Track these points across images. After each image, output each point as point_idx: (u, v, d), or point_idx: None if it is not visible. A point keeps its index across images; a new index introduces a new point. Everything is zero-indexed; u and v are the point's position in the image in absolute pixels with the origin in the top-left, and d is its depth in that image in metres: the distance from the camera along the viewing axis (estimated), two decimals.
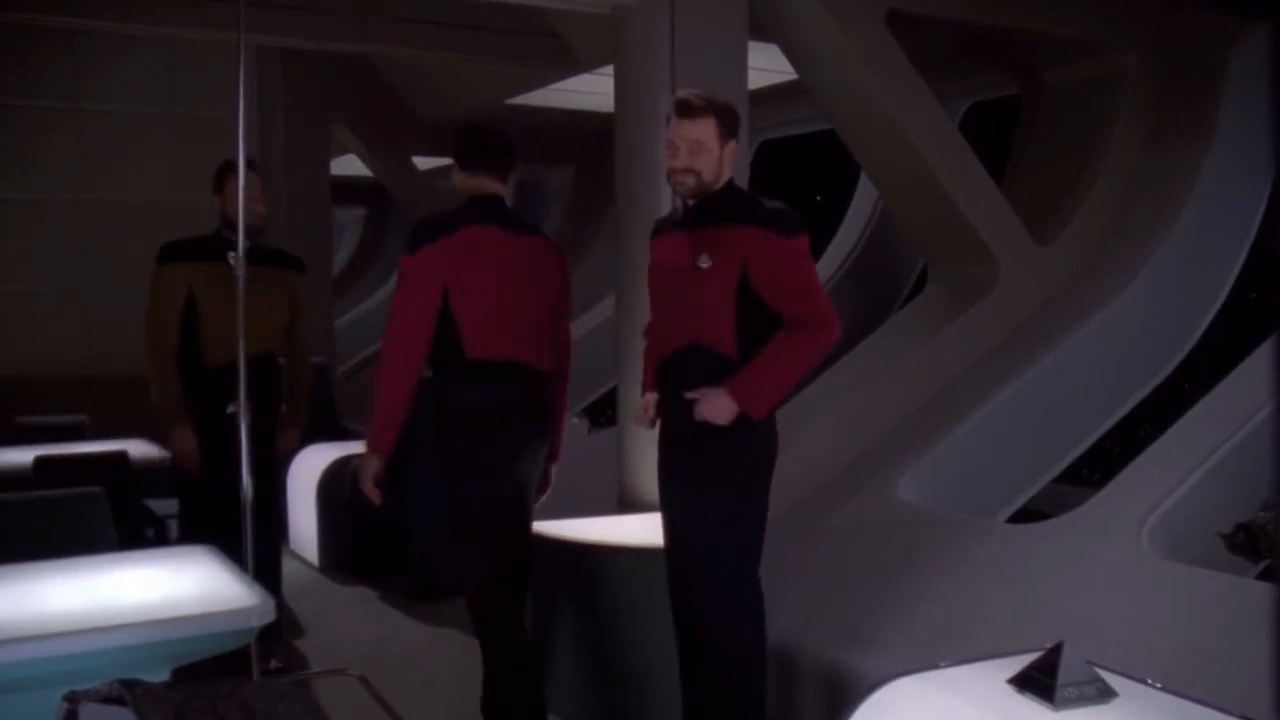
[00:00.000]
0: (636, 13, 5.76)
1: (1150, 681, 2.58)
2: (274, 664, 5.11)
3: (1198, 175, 7.55)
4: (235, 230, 4.64)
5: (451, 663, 4.49)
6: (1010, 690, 2.52)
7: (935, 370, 7.03)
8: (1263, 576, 5.08)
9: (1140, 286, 7.37)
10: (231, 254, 4.36)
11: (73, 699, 2.10)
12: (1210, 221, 7.61)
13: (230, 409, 4.40)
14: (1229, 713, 2.41)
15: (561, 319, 4.49)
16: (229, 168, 4.88)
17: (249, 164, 4.99)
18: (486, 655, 4.26)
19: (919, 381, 6.99)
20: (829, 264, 10.22)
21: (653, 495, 4.02)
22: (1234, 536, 4.89)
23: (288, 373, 5.37)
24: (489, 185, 4.29)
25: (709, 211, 3.75)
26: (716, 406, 3.64)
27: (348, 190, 15.40)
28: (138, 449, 6.28)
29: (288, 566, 5.99)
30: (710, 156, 3.69)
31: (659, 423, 3.93)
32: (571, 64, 9.00)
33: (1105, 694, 2.48)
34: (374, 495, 4.18)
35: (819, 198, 13.75)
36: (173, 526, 5.77)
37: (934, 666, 2.68)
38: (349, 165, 13.62)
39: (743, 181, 3.97)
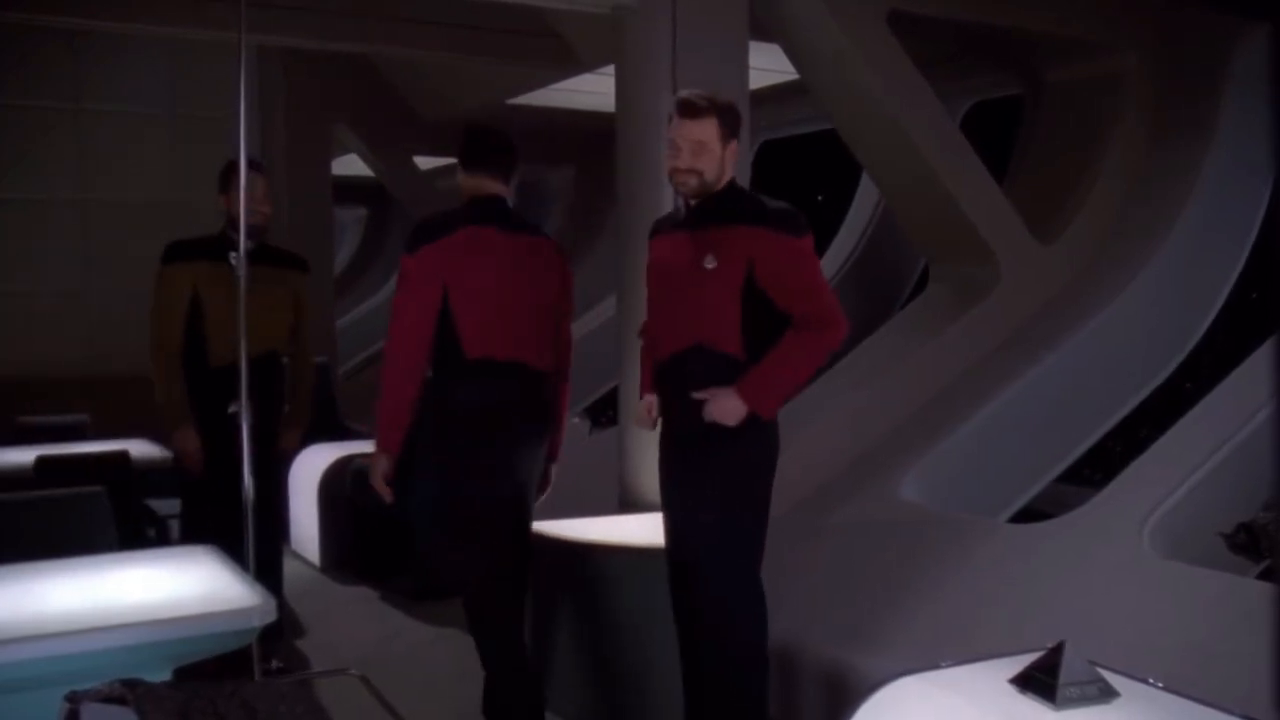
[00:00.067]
0: (637, 13, 5.76)
1: (1152, 681, 2.58)
2: (275, 664, 5.11)
3: (1199, 175, 7.55)
4: (236, 228, 4.66)
5: (453, 663, 4.49)
6: (1012, 690, 2.52)
7: (937, 370, 7.03)
8: (1263, 576, 5.09)
9: (1141, 286, 7.37)
10: (233, 254, 4.35)
11: (74, 699, 2.10)
12: (1211, 222, 7.61)
13: (232, 409, 4.40)
14: (1230, 712, 2.41)
15: (562, 319, 4.49)
16: (232, 167, 4.88)
17: (256, 165, 5.01)
18: (484, 656, 4.26)
19: (921, 381, 7.00)
20: (831, 264, 10.22)
21: (654, 495, 4.01)
22: (1235, 536, 4.89)
23: (290, 372, 5.37)
24: (491, 185, 4.30)
25: (711, 212, 3.74)
26: (726, 407, 3.64)
27: (349, 190, 15.40)
28: (139, 449, 6.28)
29: (289, 566, 5.99)
30: (713, 156, 3.68)
31: (660, 424, 3.93)
32: (572, 64, 9.00)
33: (1107, 694, 2.48)
34: (385, 493, 4.23)
35: (820, 197, 13.73)
36: (174, 526, 5.77)
37: (935, 666, 2.68)
38: (350, 165, 13.62)
39: (744, 181, 3.96)
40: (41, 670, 2.77)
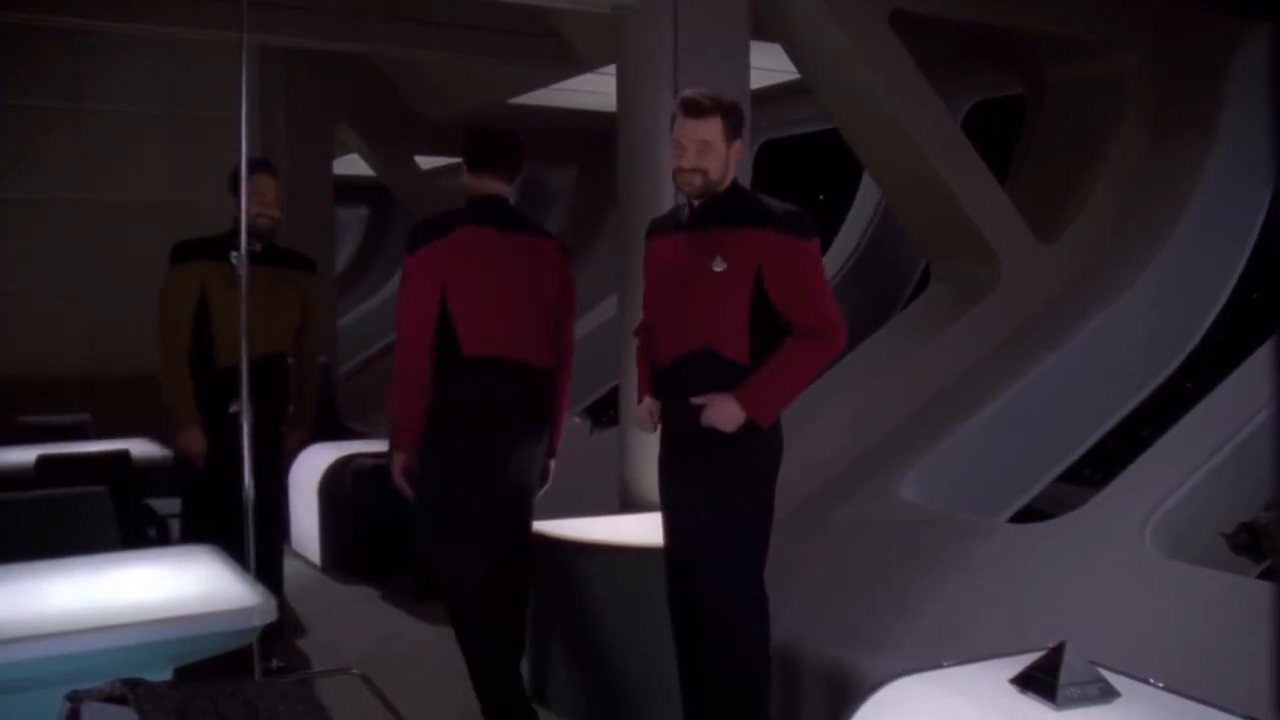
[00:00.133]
0: (638, 12, 5.76)
1: (1153, 681, 2.58)
2: (276, 663, 5.11)
3: (1200, 175, 7.54)
4: (247, 230, 4.68)
5: (454, 662, 4.48)
6: (1013, 690, 2.52)
7: (938, 369, 7.03)
8: (1265, 576, 5.08)
9: (1143, 286, 7.37)
10: (234, 253, 4.35)
11: (75, 698, 2.10)
12: (1213, 222, 7.61)
13: (233, 408, 4.40)
14: (1232, 712, 2.41)
15: (564, 317, 4.51)
16: (247, 168, 4.89)
17: (269, 167, 5.02)
18: (474, 660, 4.30)
19: (922, 381, 6.99)
20: (832, 263, 10.21)
21: (655, 495, 4.01)
22: (1236, 536, 4.88)
23: (295, 373, 5.37)
24: (494, 186, 4.35)
25: (715, 213, 3.71)
26: (725, 413, 3.63)
27: (350, 190, 15.39)
28: (140, 448, 6.28)
29: (289, 566, 5.99)
30: (717, 156, 3.66)
31: (660, 426, 3.92)
32: (573, 63, 9.00)
33: (1108, 694, 2.48)
34: (404, 489, 4.31)
35: (822, 197, 13.74)
36: (175, 526, 5.77)
37: (936, 666, 2.68)
38: (351, 165, 13.62)
39: (745, 181, 3.95)
40: (42, 670, 2.77)
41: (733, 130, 3.70)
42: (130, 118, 9.91)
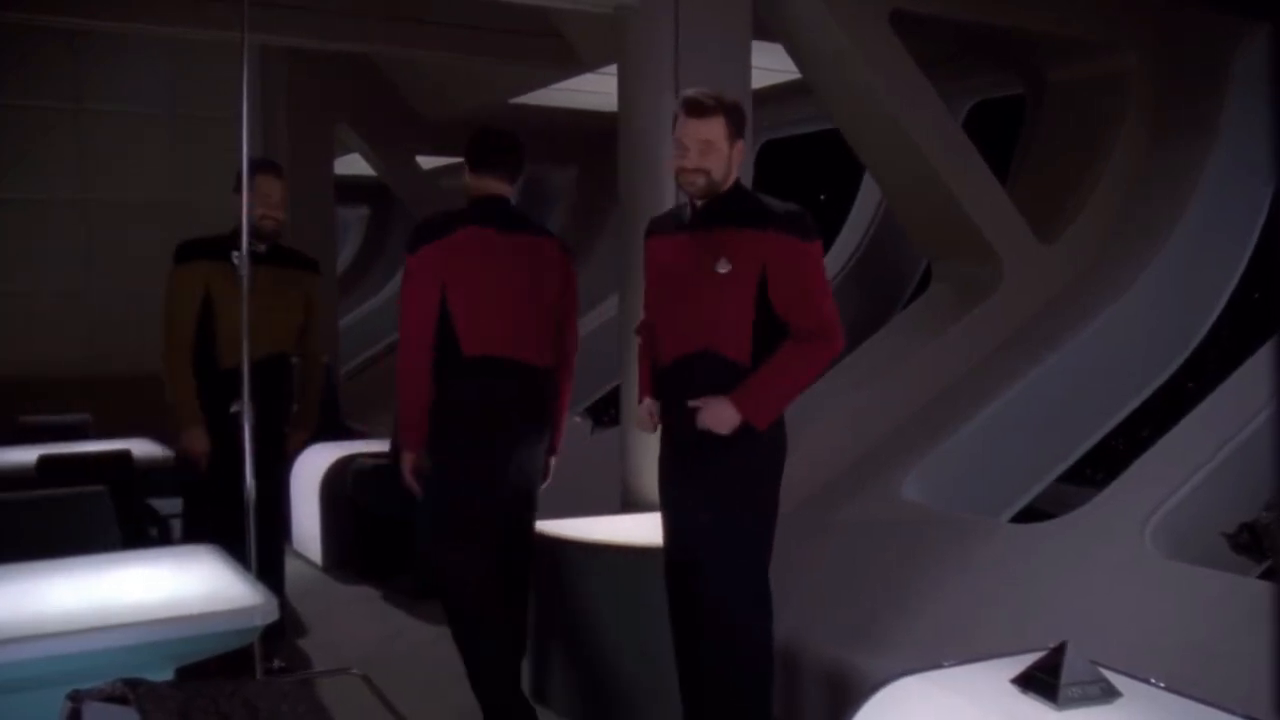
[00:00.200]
0: (639, 12, 5.76)
1: (1154, 681, 2.58)
2: (277, 663, 5.11)
3: (1200, 175, 7.54)
4: (252, 229, 4.69)
5: (454, 662, 4.49)
6: (1014, 690, 2.52)
7: (939, 369, 7.03)
8: (1266, 576, 5.08)
9: (1144, 286, 7.37)
10: (235, 253, 4.35)
11: (76, 698, 2.10)
12: (1213, 222, 7.61)
13: (233, 408, 4.40)
14: (1232, 712, 2.41)
15: (566, 317, 4.52)
16: (250, 168, 4.89)
17: (275, 169, 5.02)
18: (466, 653, 4.31)
19: (923, 381, 6.99)
20: (833, 263, 10.21)
21: (656, 495, 4.00)
22: (1238, 536, 4.88)
23: (298, 374, 5.37)
24: (495, 186, 4.37)
25: (718, 214, 3.70)
26: (719, 416, 3.61)
27: (351, 189, 15.39)
28: (141, 448, 6.29)
29: (290, 566, 5.99)
30: (720, 155, 3.65)
31: (661, 427, 3.91)
32: (574, 63, 9.00)
33: (1109, 694, 2.48)
34: (414, 489, 4.34)
35: (823, 197, 13.74)
36: (176, 526, 5.78)
37: (937, 666, 2.68)
38: (352, 165, 13.62)
39: (746, 181, 3.95)
40: (43, 670, 2.77)
41: (735, 130, 3.69)
42: (130, 118, 9.91)
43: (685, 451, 3.77)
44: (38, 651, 2.77)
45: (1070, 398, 7.17)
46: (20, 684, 2.77)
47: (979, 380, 6.97)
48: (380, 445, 7.28)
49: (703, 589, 3.74)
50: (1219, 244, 7.70)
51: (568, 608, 4.75)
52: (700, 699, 3.88)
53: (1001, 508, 6.98)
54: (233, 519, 4.33)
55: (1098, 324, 7.20)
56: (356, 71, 11.43)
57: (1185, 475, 5.35)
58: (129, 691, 2.11)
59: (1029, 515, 6.97)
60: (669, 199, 5.28)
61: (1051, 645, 2.53)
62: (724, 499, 3.70)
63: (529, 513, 4.55)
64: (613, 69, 6.22)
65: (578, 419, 8.71)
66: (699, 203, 3.73)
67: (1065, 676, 2.45)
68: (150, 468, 6.13)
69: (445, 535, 4.38)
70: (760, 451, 3.71)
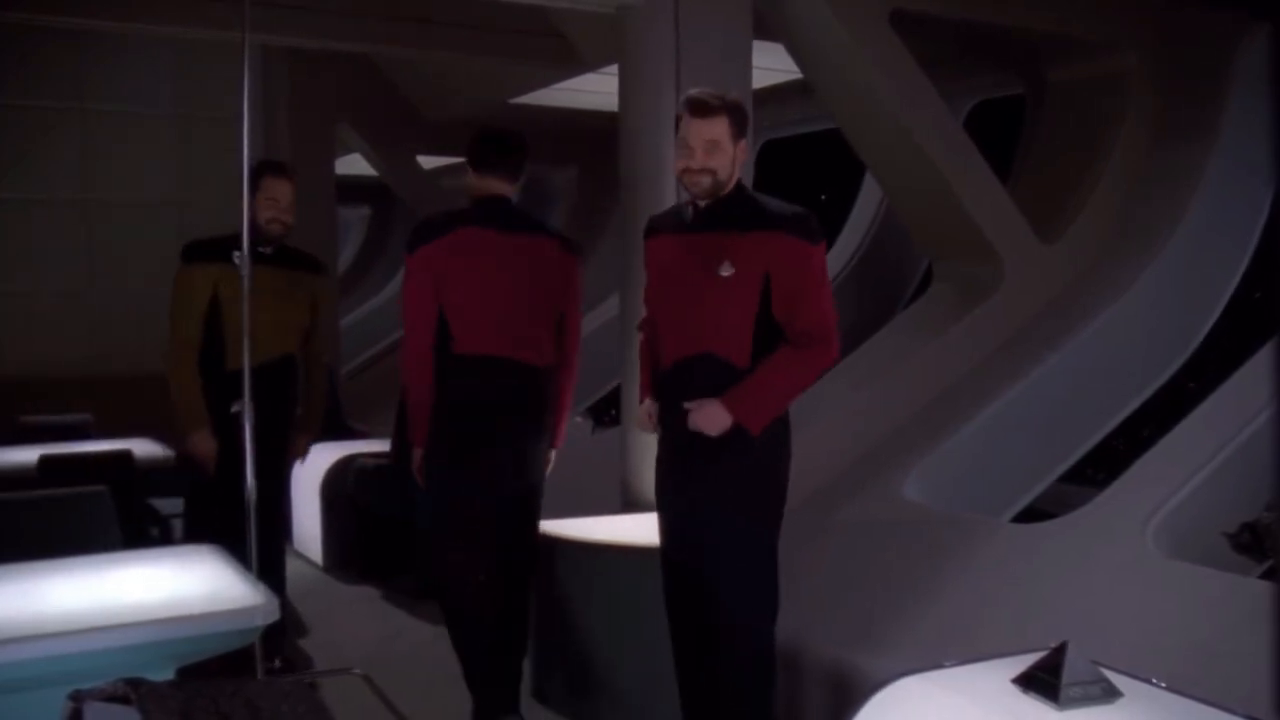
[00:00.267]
0: (640, 11, 5.76)
1: (1155, 681, 2.58)
2: (278, 663, 5.11)
3: (1201, 175, 7.54)
4: (259, 231, 4.70)
5: (455, 662, 4.50)
6: (1015, 690, 2.51)
7: (940, 369, 7.03)
8: (1267, 576, 5.08)
9: (1145, 286, 7.37)
10: (236, 254, 4.34)
11: (78, 698, 2.10)
12: (1214, 222, 7.61)
13: (234, 408, 4.39)
14: (1233, 712, 2.41)
15: (568, 316, 4.52)
16: (262, 169, 4.89)
17: (285, 171, 5.00)
18: (463, 653, 4.33)
19: (924, 380, 6.99)
20: (834, 263, 10.21)
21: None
22: (1239, 536, 4.89)
23: (304, 375, 5.34)
24: (497, 186, 4.38)
25: (721, 216, 3.67)
26: (710, 417, 3.59)
27: (352, 189, 15.40)
28: (142, 448, 6.29)
29: (291, 566, 5.99)
30: (725, 155, 3.62)
31: (660, 429, 3.89)
32: (575, 63, 9.00)
33: (1110, 694, 2.47)
34: (421, 484, 4.41)
35: (824, 197, 13.75)
36: (177, 526, 5.78)
37: (938, 666, 2.68)
38: (353, 164, 13.63)
39: (747, 182, 3.94)
40: (45, 670, 2.77)
41: (738, 130, 3.67)
42: (131, 117, 9.91)
43: (685, 454, 3.75)
44: (39, 651, 2.77)
45: (1071, 398, 7.17)
46: (21, 684, 2.77)
47: (980, 380, 6.98)
48: (381, 445, 7.27)
49: (703, 590, 3.73)
50: (1219, 244, 7.70)
51: (568, 608, 4.75)
52: (700, 699, 3.87)
53: (1003, 508, 6.98)
54: (235, 519, 4.33)
55: (1099, 324, 7.20)
56: (357, 71, 11.43)
57: (1186, 475, 5.35)
58: (130, 691, 2.11)
59: (1030, 515, 6.97)
60: (669, 198, 5.28)
61: (1053, 645, 2.53)
62: (724, 501, 3.68)
63: (530, 513, 4.55)
64: (613, 69, 6.22)
65: (579, 419, 8.71)
66: (702, 203, 3.70)
67: (1066, 676, 2.44)
68: (151, 468, 6.13)
69: (444, 535, 4.39)
70: (761, 453, 3.68)
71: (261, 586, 3.25)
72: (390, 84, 11.97)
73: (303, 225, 5.01)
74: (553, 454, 4.60)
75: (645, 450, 5.32)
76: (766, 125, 10.91)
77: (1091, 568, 4.83)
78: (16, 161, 9.49)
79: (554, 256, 4.44)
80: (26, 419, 7.44)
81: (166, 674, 3.00)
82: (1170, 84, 7.80)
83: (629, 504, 5.67)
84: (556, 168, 13.94)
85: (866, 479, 6.32)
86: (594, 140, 11.63)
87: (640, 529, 4.68)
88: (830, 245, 10.41)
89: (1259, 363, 5.96)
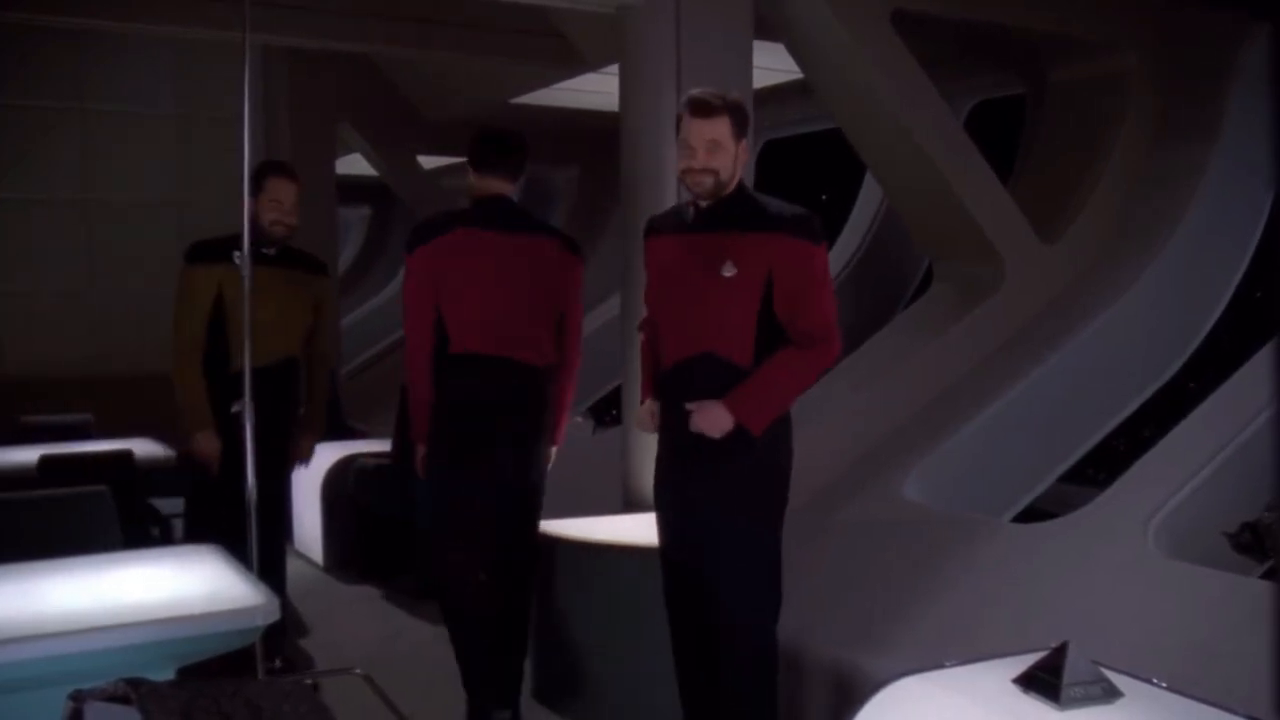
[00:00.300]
0: (641, 11, 5.75)
1: (1155, 681, 2.58)
2: (279, 663, 5.11)
3: (1202, 176, 7.54)
4: (263, 232, 4.69)
5: (455, 662, 4.51)
6: (1015, 690, 2.51)
7: (941, 369, 7.03)
8: (1267, 576, 5.08)
9: (1145, 286, 7.37)
10: (237, 254, 4.34)
11: (78, 698, 2.10)
12: (1214, 222, 7.61)
13: (235, 408, 4.39)
14: (1234, 712, 2.41)
15: (568, 315, 4.52)
16: (265, 170, 4.89)
17: (289, 172, 5.00)
18: (461, 653, 4.34)
19: (924, 380, 6.99)
20: (835, 263, 10.19)
21: None
22: (1239, 536, 4.88)
23: (307, 376, 5.33)
24: (497, 186, 4.39)
25: (723, 216, 3.66)
26: (712, 419, 3.58)
27: (353, 189, 15.41)
28: (142, 448, 6.28)
29: (292, 566, 5.99)
30: (727, 155, 3.61)
31: (661, 429, 3.89)
32: (576, 63, 9.00)
33: (1110, 694, 2.47)
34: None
35: (824, 197, 13.75)
36: (177, 525, 5.77)
37: (939, 666, 2.67)
38: (354, 164, 13.63)
39: (748, 182, 3.93)
40: (45, 670, 2.77)
41: (739, 129, 3.66)
42: (132, 117, 9.92)
43: (686, 454, 3.75)
44: (39, 651, 2.77)
45: (1072, 397, 7.17)
46: (22, 684, 2.77)
47: (981, 380, 6.97)
48: (381, 445, 7.27)
49: (703, 590, 3.73)
50: (1220, 244, 7.70)
51: (568, 608, 4.75)
52: (701, 700, 3.87)
53: (1003, 508, 6.98)
54: (238, 519, 4.32)
55: (1099, 324, 7.20)
56: (357, 71, 11.43)
57: (1187, 475, 5.35)
58: (131, 691, 2.11)
59: (1031, 515, 6.97)
60: (670, 198, 5.27)
61: (1053, 645, 2.53)
62: (726, 500, 3.68)
63: (530, 513, 4.55)
64: (614, 68, 6.22)
65: (579, 419, 8.70)
66: (703, 204, 3.69)
67: (1067, 676, 2.44)
68: (152, 467, 6.13)
69: (444, 535, 4.40)
70: (762, 455, 3.67)
71: (262, 586, 3.25)
72: (390, 84, 11.97)
73: (303, 225, 5.00)
74: (553, 450, 4.60)
75: (646, 450, 5.32)
76: (767, 125, 10.91)
77: (1092, 568, 4.83)
78: (16, 161, 9.50)
79: (554, 256, 4.44)
80: (27, 419, 7.43)
81: (167, 674, 3.00)
82: (1170, 84, 7.80)
83: (630, 504, 5.67)
84: (557, 168, 13.94)
85: (867, 479, 6.32)
86: (594, 140, 11.62)
87: (641, 529, 4.68)
88: (831, 245, 10.40)
89: (1259, 363, 5.95)
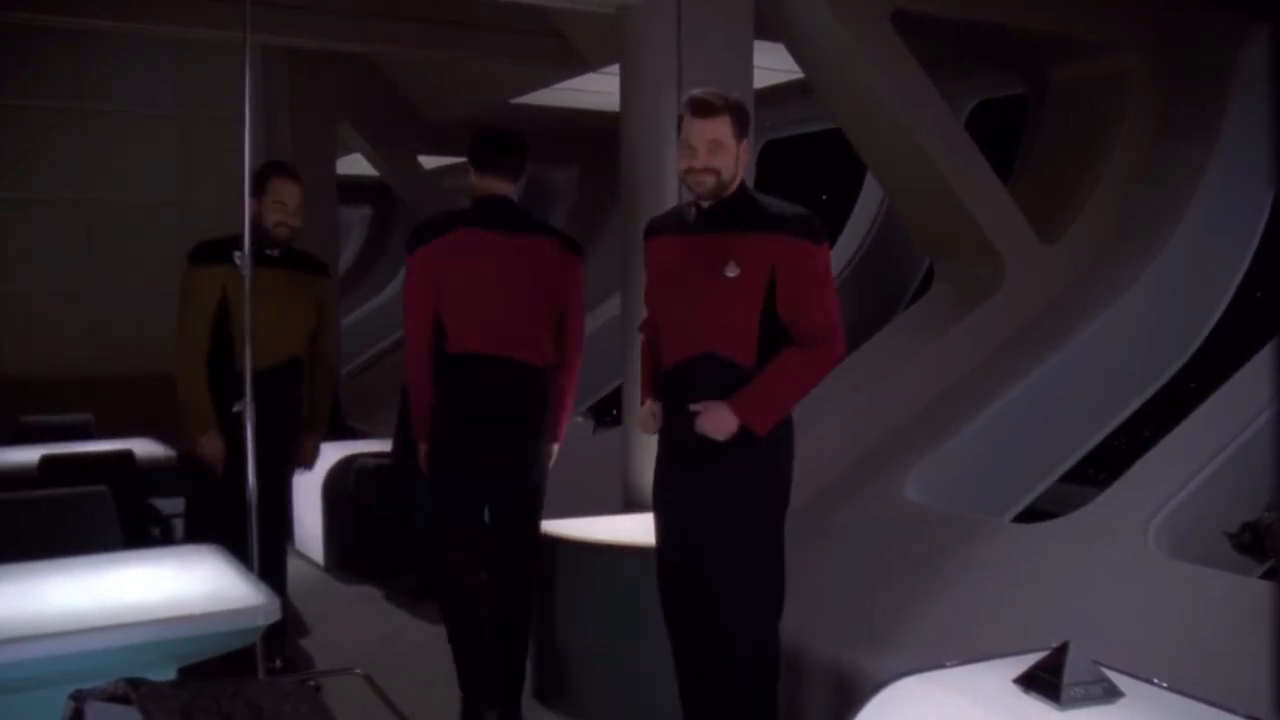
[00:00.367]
0: (641, 11, 5.75)
1: (1156, 681, 2.58)
2: (279, 663, 5.11)
3: (1202, 175, 7.54)
4: (266, 234, 4.69)
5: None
6: (1016, 690, 2.51)
7: (941, 369, 7.03)
8: (1268, 576, 5.08)
9: (1146, 286, 7.37)
10: (237, 254, 4.33)
11: (79, 698, 2.10)
12: (1215, 222, 7.61)
13: (236, 408, 4.38)
14: (1234, 712, 2.41)
15: (569, 315, 4.52)
16: (269, 171, 4.88)
17: (293, 173, 4.99)
18: (459, 653, 4.36)
19: (925, 381, 6.99)
20: (835, 263, 10.18)
21: None
22: (1240, 536, 4.88)
23: (309, 377, 5.32)
24: (498, 186, 4.39)
25: (724, 216, 3.66)
26: (718, 421, 3.58)
27: (353, 189, 15.41)
28: (143, 448, 6.28)
29: (293, 566, 5.98)
30: (728, 155, 3.60)
31: (661, 429, 3.88)
32: (576, 63, 9.00)
33: (1111, 694, 2.47)
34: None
35: (825, 197, 13.75)
36: (178, 525, 5.77)
37: (940, 666, 2.67)
38: (354, 164, 13.64)
39: (748, 182, 3.93)
40: (46, 670, 2.77)
41: (740, 129, 3.65)
42: (132, 117, 9.92)
43: (686, 455, 3.74)
44: (39, 651, 2.77)
45: (1072, 397, 7.17)
46: (22, 684, 2.77)
47: (981, 380, 6.98)
48: (382, 445, 7.27)
49: (703, 590, 3.73)
50: (1220, 244, 7.70)
51: (568, 608, 4.75)
52: (701, 700, 3.87)
53: (1004, 508, 6.98)
54: (238, 519, 4.32)
55: (1099, 324, 7.20)
56: (357, 71, 11.43)
57: (1187, 475, 5.35)
58: (131, 691, 2.11)
59: (1031, 515, 6.97)
60: (671, 198, 5.27)
61: (1054, 645, 2.53)
62: (727, 501, 3.67)
63: (531, 513, 4.55)
64: (614, 68, 6.21)
65: (580, 419, 8.70)
66: (704, 204, 3.69)
67: (1068, 676, 2.44)
68: (152, 467, 6.13)
69: (445, 535, 4.40)
70: (763, 455, 3.67)
71: (263, 586, 3.25)
72: (390, 84, 11.97)
73: (304, 225, 5.00)
74: (554, 448, 4.60)
75: (646, 450, 5.32)
76: (767, 125, 10.91)
77: (1092, 568, 4.83)
78: (16, 161, 9.50)
79: (555, 256, 4.44)
80: (27, 419, 7.43)
81: (168, 674, 2.99)
82: (1170, 84, 7.80)
83: (630, 504, 5.67)
84: (557, 168, 13.95)
85: (867, 479, 6.32)
86: (595, 140, 11.63)
87: (641, 529, 4.68)
88: (831, 245, 10.40)
89: (1260, 363, 5.96)
